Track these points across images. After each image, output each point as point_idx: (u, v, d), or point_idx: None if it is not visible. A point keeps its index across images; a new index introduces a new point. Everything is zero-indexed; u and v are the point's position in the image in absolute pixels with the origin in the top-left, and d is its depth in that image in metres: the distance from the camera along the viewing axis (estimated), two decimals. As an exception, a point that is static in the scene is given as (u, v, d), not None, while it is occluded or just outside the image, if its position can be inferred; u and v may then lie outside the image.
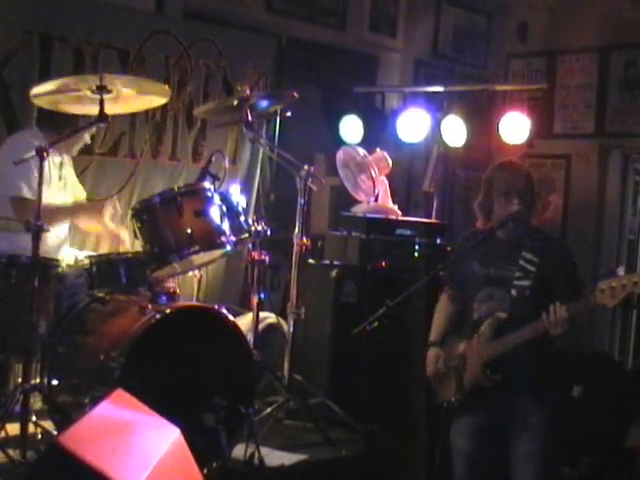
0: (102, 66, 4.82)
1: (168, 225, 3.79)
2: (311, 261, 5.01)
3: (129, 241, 4.39)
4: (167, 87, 4.16)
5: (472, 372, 3.55)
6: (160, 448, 2.68)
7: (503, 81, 7.27)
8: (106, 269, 4.00)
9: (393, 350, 4.72)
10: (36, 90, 3.78)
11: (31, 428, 3.50)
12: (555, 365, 3.67)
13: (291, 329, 4.33)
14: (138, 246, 3.95)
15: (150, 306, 3.64)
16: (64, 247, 4.37)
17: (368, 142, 5.69)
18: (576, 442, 5.15)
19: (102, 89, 3.67)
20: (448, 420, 3.66)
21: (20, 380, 3.56)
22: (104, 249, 4.61)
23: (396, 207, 5.37)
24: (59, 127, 4.09)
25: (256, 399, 3.95)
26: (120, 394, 2.93)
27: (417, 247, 5.14)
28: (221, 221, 3.85)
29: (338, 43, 6.44)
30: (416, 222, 5.38)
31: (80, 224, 4.59)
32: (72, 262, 4.07)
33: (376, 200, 5.27)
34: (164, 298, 3.80)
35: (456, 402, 3.59)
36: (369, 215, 5.16)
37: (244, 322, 4.43)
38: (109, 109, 3.72)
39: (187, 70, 5.35)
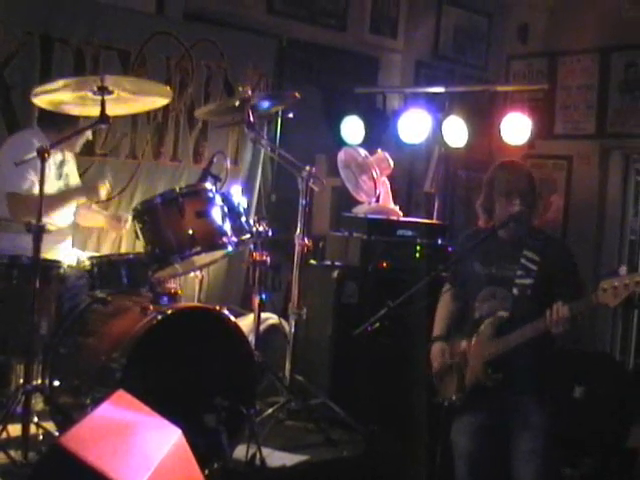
0: (103, 67, 4.83)
1: (169, 226, 3.79)
2: (312, 262, 5.01)
3: (130, 222, 4.38)
4: (168, 88, 4.16)
5: (473, 371, 3.55)
6: (161, 449, 2.67)
7: (504, 82, 7.28)
8: (107, 270, 4.01)
9: (394, 351, 4.71)
10: (37, 91, 3.78)
11: (33, 429, 3.50)
12: (556, 364, 3.67)
13: (292, 330, 4.33)
14: (139, 247, 3.95)
15: (151, 307, 3.64)
16: (66, 243, 4.36)
17: (369, 143, 5.69)
18: (577, 442, 5.15)
19: (103, 90, 3.67)
20: (449, 419, 3.66)
21: (22, 381, 3.56)
22: (106, 250, 4.63)
23: (397, 208, 5.37)
24: (60, 126, 4.10)
25: (257, 400, 3.95)
26: (121, 395, 2.93)
27: (418, 248, 5.14)
28: (222, 222, 3.85)
29: (339, 44, 6.44)
30: (417, 223, 5.38)
31: (81, 221, 4.60)
32: (73, 263, 4.07)
33: (377, 201, 5.27)
34: (165, 299, 3.80)
35: (457, 401, 3.60)
36: (370, 216, 5.16)
37: (245, 323, 4.43)
38: (110, 110, 3.73)
39: (188, 71, 5.36)
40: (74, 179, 4.49)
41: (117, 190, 5.12)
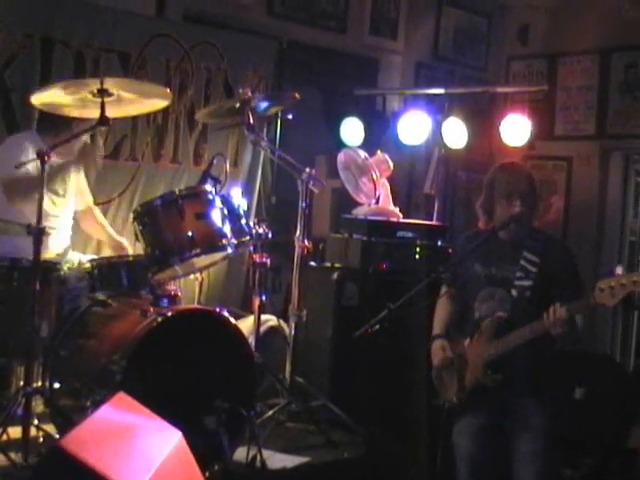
0: (103, 70, 4.84)
1: (169, 228, 3.79)
2: (312, 264, 5.01)
3: (131, 249, 4.40)
4: (168, 90, 4.16)
5: (473, 372, 3.55)
6: (162, 451, 2.67)
7: (504, 83, 7.28)
8: (108, 272, 4.02)
9: (395, 352, 4.72)
10: (37, 93, 3.79)
11: (33, 431, 3.50)
12: (557, 366, 3.67)
13: (292, 332, 4.33)
14: (139, 249, 3.95)
15: (151, 309, 3.64)
16: (68, 253, 4.38)
17: (369, 144, 5.69)
18: (578, 443, 5.15)
19: (103, 92, 3.67)
20: (449, 421, 3.66)
21: (22, 383, 3.55)
22: (106, 252, 4.63)
23: (397, 209, 5.37)
24: (59, 130, 4.10)
25: (258, 402, 3.95)
26: (122, 397, 2.93)
27: (418, 249, 5.14)
28: (222, 224, 3.85)
29: (339, 46, 6.45)
30: (417, 224, 5.39)
31: (84, 228, 4.61)
32: (73, 265, 4.07)
33: (377, 202, 5.27)
34: (165, 301, 3.80)
35: (457, 402, 3.60)
36: (370, 217, 5.16)
37: (245, 325, 4.43)
38: (110, 112, 3.72)
39: (188, 73, 5.35)
40: (80, 185, 4.50)
41: (117, 192, 5.13)
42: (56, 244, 4.27)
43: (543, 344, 3.44)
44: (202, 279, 4.47)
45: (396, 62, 6.91)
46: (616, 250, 6.92)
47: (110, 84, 3.68)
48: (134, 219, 3.91)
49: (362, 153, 5.28)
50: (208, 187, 3.93)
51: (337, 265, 5.04)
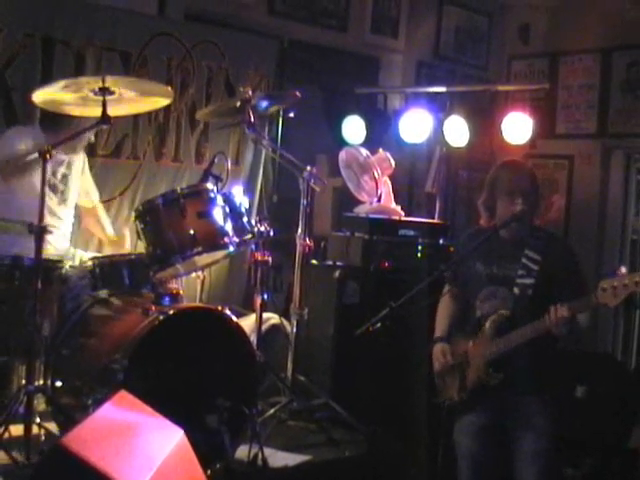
0: (104, 68, 4.83)
1: (171, 226, 3.79)
2: (314, 262, 5.01)
3: (129, 243, 4.40)
4: (169, 89, 4.16)
5: (475, 370, 3.55)
6: (164, 449, 2.67)
7: (505, 82, 7.28)
8: (109, 270, 4.01)
9: (396, 351, 4.72)
10: (39, 92, 3.79)
11: (35, 430, 3.49)
12: (558, 365, 3.67)
13: (294, 330, 4.33)
14: (141, 247, 3.95)
15: (153, 307, 3.64)
16: (70, 251, 4.39)
17: (370, 143, 5.69)
18: (579, 443, 5.15)
19: (104, 91, 3.67)
20: (450, 420, 3.67)
21: (24, 382, 3.55)
22: (108, 250, 4.62)
23: (399, 208, 5.36)
24: (61, 128, 4.09)
25: (259, 400, 3.95)
26: (123, 395, 2.93)
27: (420, 248, 5.14)
28: (224, 222, 3.85)
29: (340, 45, 6.45)
30: (419, 223, 5.38)
31: (86, 225, 4.61)
32: (75, 263, 4.07)
33: (379, 201, 5.27)
34: (167, 299, 3.79)
35: (459, 401, 3.60)
36: (372, 216, 5.16)
37: (247, 323, 4.43)
38: (112, 111, 3.72)
39: (189, 72, 5.35)
40: (86, 182, 4.51)
41: (119, 191, 5.13)
42: (58, 242, 4.28)
43: (545, 343, 3.43)
44: (204, 277, 4.47)
45: (397, 61, 6.90)
46: (617, 249, 6.91)
47: (111, 82, 3.68)
48: (136, 218, 3.90)
49: (364, 151, 5.28)
50: (209, 185, 3.93)
51: (339, 263, 5.04)
